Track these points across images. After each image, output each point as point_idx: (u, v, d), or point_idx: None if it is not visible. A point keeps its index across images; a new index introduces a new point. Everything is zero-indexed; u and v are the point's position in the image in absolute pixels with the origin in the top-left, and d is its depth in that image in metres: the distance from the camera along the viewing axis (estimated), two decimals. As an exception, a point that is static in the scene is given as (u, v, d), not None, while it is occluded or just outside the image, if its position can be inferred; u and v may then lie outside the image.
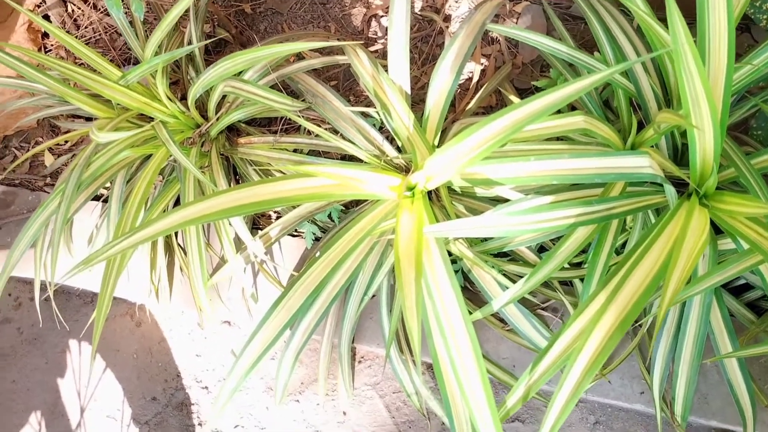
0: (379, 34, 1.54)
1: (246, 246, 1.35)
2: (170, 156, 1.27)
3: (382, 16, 1.54)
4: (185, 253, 1.37)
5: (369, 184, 0.97)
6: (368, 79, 1.18)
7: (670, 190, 0.97)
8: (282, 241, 1.45)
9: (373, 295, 1.38)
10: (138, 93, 1.24)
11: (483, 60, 1.48)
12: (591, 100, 1.21)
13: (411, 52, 1.51)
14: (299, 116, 1.35)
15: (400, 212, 1.02)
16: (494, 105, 1.47)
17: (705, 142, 0.87)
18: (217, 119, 1.31)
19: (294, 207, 1.30)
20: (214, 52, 1.65)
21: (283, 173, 1.38)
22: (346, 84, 1.53)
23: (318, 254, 1.08)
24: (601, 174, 0.92)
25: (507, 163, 0.99)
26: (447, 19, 1.51)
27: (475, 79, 1.47)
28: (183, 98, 1.46)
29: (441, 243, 0.98)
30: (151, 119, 1.32)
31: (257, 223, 1.47)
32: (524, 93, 1.45)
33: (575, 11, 1.45)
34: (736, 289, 1.28)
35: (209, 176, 1.32)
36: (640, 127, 1.15)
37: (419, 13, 1.52)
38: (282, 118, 1.47)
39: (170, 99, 1.29)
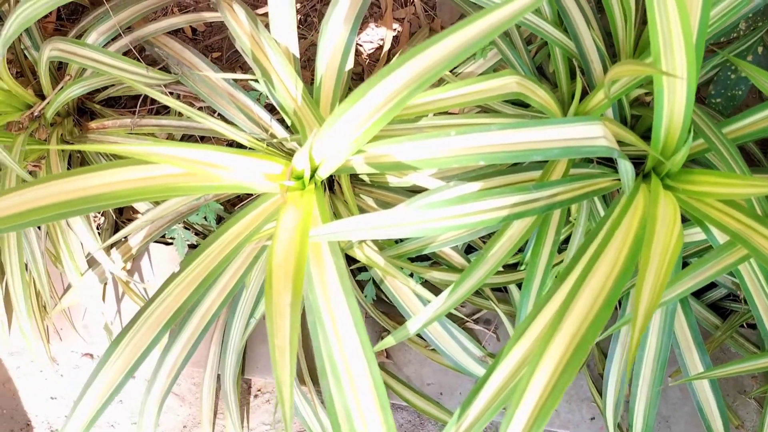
0: (270, -5, 1.27)
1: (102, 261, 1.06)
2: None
3: (272, -26, 1.27)
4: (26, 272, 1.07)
5: (234, 171, 0.71)
6: (245, 40, 0.92)
7: (626, 168, 0.76)
8: (153, 252, 1.16)
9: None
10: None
11: (396, 25, 1.24)
12: (522, 64, 0.99)
13: (309, 15, 1.26)
14: (162, 91, 1.07)
15: (283, 210, 0.76)
16: (410, 79, 1.23)
17: (675, 100, 0.66)
18: (55, 96, 1.01)
19: (158, 203, 1.01)
20: (69, 20, 1.33)
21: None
22: (231, 55, 1.26)
23: (179, 270, 0.81)
24: (543, 149, 0.69)
25: (422, 140, 0.75)
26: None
27: (387, 47, 1.23)
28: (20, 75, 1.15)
29: (337, 250, 0.72)
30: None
31: (120, 227, 1.17)
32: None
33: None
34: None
35: (46, 171, 1.02)
36: (582, 96, 0.93)
37: (318, -30, 1.27)
38: (148, 96, 1.18)
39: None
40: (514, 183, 0.87)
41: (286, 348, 0.54)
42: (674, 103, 0.65)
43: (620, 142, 0.83)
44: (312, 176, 0.83)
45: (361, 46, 1.26)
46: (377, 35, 1.25)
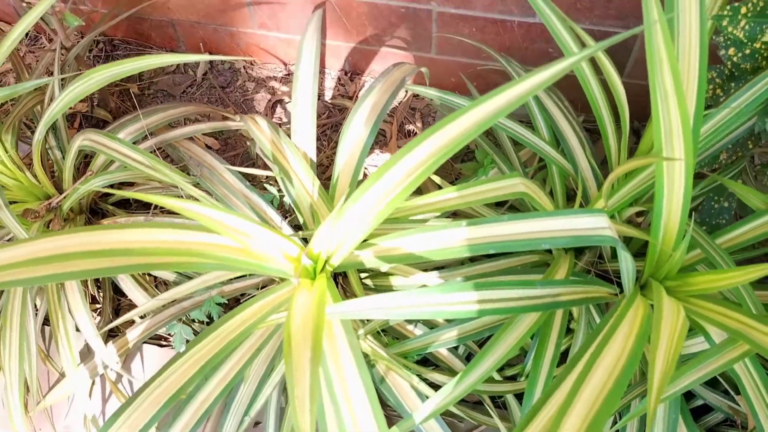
0: (285, 120, 1.37)
1: (94, 355, 1.04)
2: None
3: (287, 102, 1.39)
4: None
5: (258, 241, 0.73)
6: (266, 143, 0.99)
7: (627, 261, 0.79)
8: (145, 353, 1.13)
9: (257, 423, 1.08)
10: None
11: (399, 152, 1.33)
12: (522, 183, 1.06)
13: (319, 139, 1.35)
14: (179, 193, 1.12)
15: (297, 291, 0.78)
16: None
17: (673, 198, 0.71)
18: (74, 189, 1.05)
19: (152, 296, 1.02)
20: (90, 133, 1.42)
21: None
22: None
23: (183, 349, 0.80)
24: (551, 237, 0.74)
25: (432, 231, 0.79)
26: (360, 109, 1.38)
27: (391, 170, 1.31)
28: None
29: (350, 331, 0.73)
30: None
31: (114, 331, 1.15)
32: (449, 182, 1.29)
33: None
34: (692, 412, 1.08)
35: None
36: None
37: (330, 101, 1.38)
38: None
39: (12, 161, 1.03)
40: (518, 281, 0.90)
41: (306, 397, 0.53)
42: (673, 199, 0.71)
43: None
44: (323, 267, 0.86)
45: (366, 169, 1.34)
46: (382, 159, 1.34)
